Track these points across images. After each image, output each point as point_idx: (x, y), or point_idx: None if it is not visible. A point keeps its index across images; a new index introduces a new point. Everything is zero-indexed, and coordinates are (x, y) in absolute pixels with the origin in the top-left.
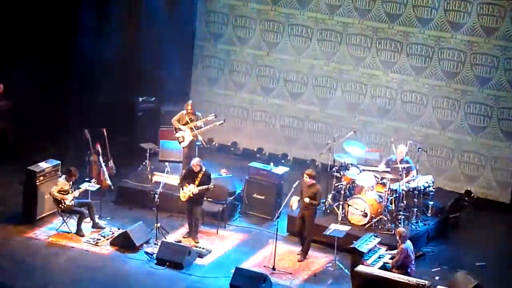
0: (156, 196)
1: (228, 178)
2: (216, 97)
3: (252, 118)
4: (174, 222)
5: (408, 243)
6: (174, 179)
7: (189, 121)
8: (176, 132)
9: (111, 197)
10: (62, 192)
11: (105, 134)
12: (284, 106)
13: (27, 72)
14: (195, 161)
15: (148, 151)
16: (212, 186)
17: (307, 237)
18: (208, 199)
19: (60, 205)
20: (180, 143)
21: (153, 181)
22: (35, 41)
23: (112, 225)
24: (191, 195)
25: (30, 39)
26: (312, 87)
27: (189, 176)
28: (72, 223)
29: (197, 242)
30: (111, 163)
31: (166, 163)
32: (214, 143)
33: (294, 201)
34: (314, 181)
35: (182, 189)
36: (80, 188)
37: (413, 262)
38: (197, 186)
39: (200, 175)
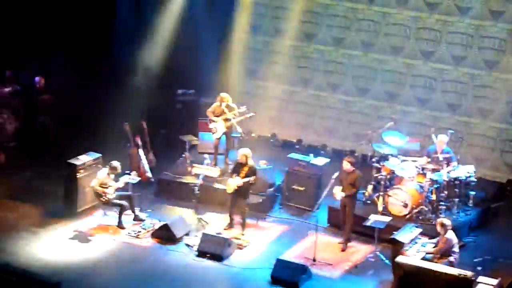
0: (196, 188)
1: (267, 170)
2: (255, 88)
3: (291, 109)
4: (214, 214)
5: (451, 233)
6: (213, 171)
7: (223, 113)
8: (211, 123)
9: (151, 190)
10: (103, 186)
11: (145, 127)
12: (324, 97)
13: (66, 66)
14: (242, 151)
15: (187, 143)
16: (253, 179)
17: (347, 224)
18: (251, 191)
19: (101, 198)
20: (213, 134)
21: (192, 173)
22: (74, 34)
23: (152, 217)
24: (237, 187)
25: (68, 33)
26: (351, 77)
27: (236, 168)
28: (113, 215)
29: (243, 234)
30: (151, 156)
31: (206, 155)
32: (253, 134)
33: (337, 191)
34: (354, 168)
35: (229, 182)
36: (120, 180)
37: (455, 252)
38: (243, 178)
39: (246, 168)
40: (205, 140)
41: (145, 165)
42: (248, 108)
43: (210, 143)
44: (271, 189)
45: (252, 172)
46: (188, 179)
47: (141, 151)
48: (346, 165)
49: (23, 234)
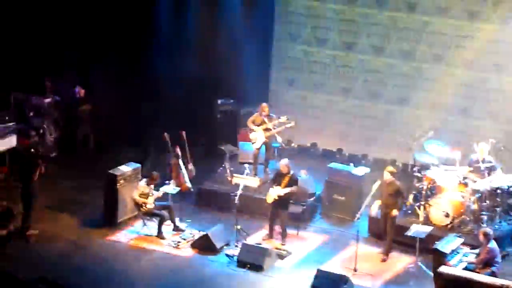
0: (236, 198)
1: (308, 179)
2: (295, 98)
3: (331, 118)
4: (254, 224)
5: (493, 243)
6: (253, 181)
7: (263, 123)
8: (251, 133)
9: (191, 200)
10: (143, 196)
11: (185, 136)
12: (364, 106)
13: (105, 77)
14: (284, 162)
15: (227, 153)
16: (295, 189)
17: (388, 234)
18: (290, 200)
19: (141, 208)
20: (252, 144)
21: (232, 183)
22: (114, 44)
23: (192, 227)
24: (277, 198)
25: (109, 43)
26: (391, 86)
27: (276, 178)
28: (152, 226)
29: (283, 244)
30: (190, 166)
31: (246, 165)
32: (293, 144)
33: (375, 206)
34: (393, 178)
35: (269, 192)
36: (160, 191)
37: (498, 262)
38: (284, 187)
39: (286, 178)
40: (245, 150)
41: (185, 175)
42: (288, 118)
43: (250, 153)
44: (312, 199)
45: (293, 182)
46: (227, 189)
47: (180, 161)
48: (387, 176)
49: (63, 246)
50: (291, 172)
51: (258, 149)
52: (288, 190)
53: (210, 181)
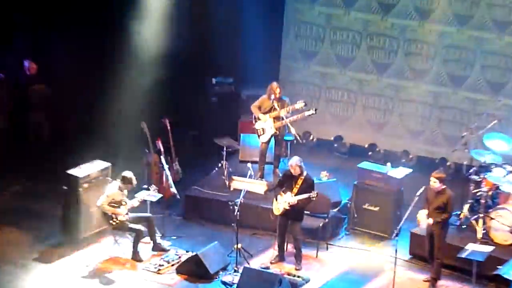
0: (236, 208)
1: (330, 184)
2: (313, 76)
3: (361, 104)
4: (259, 243)
5: None
6: (259, 186)
7: (273, 109)
8: (256, 122)
9: (177, 210)
10: (113, 205)
11: (168, 126)
12: (405, 87)
13: (65, 48)
14: (294, 161)
15: (224, 148)
16: (315, 195)
17: (436, 259)
18: (305, 212)
19: (111, 221)
20: (259, 136)
21: (231, 188)
22: (77, 6)
23: (179, 246)
24: (287, 207)
25: (69, 3)
26: (441, 61)
27: (285, 182)
28: (126, 244)
29: (298, 269)
30: (176, 165)
31: (249, 164)
32: (311, 137)
33: (422, 217)
34: (444, 186)
35: (276, 200)
36: (136, 198)
37: None
38: (295, 195)
39: (299, 181)
40: (248, 145)
41: (169, 178)
42: (306, 103)
43: (255, 149)
44: (335, 210)
45: (309, 186)
46: (225, 196)
47: (163, 159)
48: (434, 183)
49: (8, 268)
50: (305, 173)
51: (266, 143)
52: (301, 197)
53: (201, 186)
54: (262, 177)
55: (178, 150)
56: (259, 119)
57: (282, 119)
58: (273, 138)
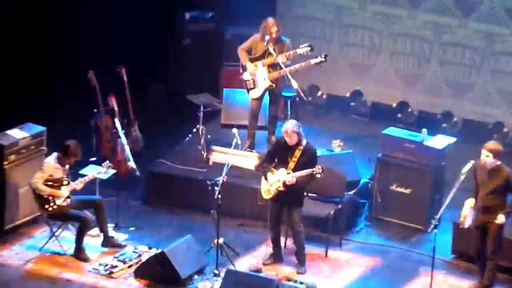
0: (217, 189)
1: (345, 157)
2: (324, 10)
3: (387, 49)
4: (248, 237)
5: None
6: (248, 159)
7: (268, 54)
8: (244, 71)
9: (136, 192)
10: (51, 184)
11: (125, 78)
12: (449, 25)
13: None
14: (289, 126)
15: (201, 108)
16: (320, 171)
17: (489, 260)
18: (310, 194)
19: (47, 206)
20: (248, 91)
21: (210, 163)
22: None
23: (138, 241)
24: (281, 188)
25: None
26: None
27: (277, 154)
28: (68, 237)
29: (300, 273)
30: (135, 131)
31: (234, 130)
32: (320, 93)
33: (467, 212)
34: (499, 162)
35: (266, 178)
36: (82, 175)
37: None
38: (293, 170)
39: (297, 153)
40: (233, 103)
41: (125, 148)
42: (313, 46)
43: (243, 109)
44: (352, 192)
45: (310, 159)
46: (202, 174)
47: (117, 122)
48: (487, 157)
49: None
50: (304, 142)
51: (258, 100)
52: (300, 174)
53: (170, 159)
54: (252, 147)
55: (139, 111)
56: (249, 67)
57: (280, 67)
58: (267, 93)
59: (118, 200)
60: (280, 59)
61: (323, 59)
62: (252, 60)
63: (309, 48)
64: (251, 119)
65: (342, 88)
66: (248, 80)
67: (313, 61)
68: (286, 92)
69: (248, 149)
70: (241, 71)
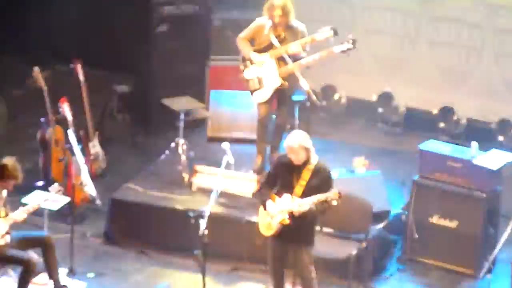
0: (202, 222)
1: (371, 179)
2: None
3: (427, 37)
4: (242, 285)
5: None
6: (244, 183)
7: (276, 43)
8: (245, 66)
9: (96, 226)
10: None
11: (82, 76)
12: (505, 6)
13: None
14: (296, 139)
15: (181, 116)
16: (337, 197)
17: None
18: (324, 229)
19: None
20: (252, 92)
21: (194, 188)
22: None
23: None
24: (286, 222)
25: None
26: None
27: (280, 176)
28: (8, 284)
29: None
30: (95, 146)
31: (225, 145)
32: (337, 96)
33: None
34: None
35: (265, 208)
36: (25, 204)
37: None
38: (301, 197)
39: (305, 174)
40: (224, 109)
41: (82, 168)
42: (335, 31)
43: (237, 116)
44: (380, 226)
45: (323, 181)
46: (182, 202)
47: (71, 134)
48: None
49: None
50: (314, 159)
51: (267, 104)
52: (311, 201)
53: (140, 183)
54: (262, 169)
55: (100, 119)
56: (251, 62)
57: (295, 60)
58: (275, 96)
59: (72, 237)
60: (295, 48)
61: (350, 46)
62: (255, 53)
63: (331, 33)
64: (260, 130)
65: (367, 89)
66: (251, 80)
67: (337, 48)
68: (295, 96)
69: (255, 173)
70: (241, 67)
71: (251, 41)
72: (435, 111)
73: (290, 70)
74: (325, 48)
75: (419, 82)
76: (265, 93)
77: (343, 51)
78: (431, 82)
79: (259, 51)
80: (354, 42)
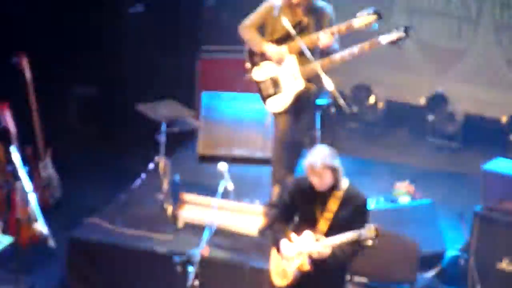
0: (192, 270)
1: (419, 211)
2: None
3: (490, 20)
4: None
5: None
6: (246, 217)
7: (295, 32)
8: (254, 63)
9: (49, 273)
10: None
11: (28, 74)
12: None
13: None
14: (318, 156)
15: (162, 126)
16: (374, 236)
17: None
18: (357, 278)
19: None
20: (264, 99)
21: (180, 224)
22: None
23: None
24: (307, 267)
25: None
26: None
27: (298, 207)
28: None
29: None
30: (47, 168)
31: (222, 165)
32: (373, 101)
33: None
34: None
35: (278, 250)
36: None
37: None
38: (326, 235)
39: (332, 203)
40: (218, 117)
41: (29, 198)
42: (380, 13)
43: (238, 127)
44: (431, 274)
45: (356, 213)
46: (164, 242)
47: (14, 152)
48: None
49: None
50: (345, 185)
51: (286, 115)
52: (340, 240)
53: (109, 217)
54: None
55: (53, 132)
56: (272, 53)
57: (322, 55)
58: (295, 102)
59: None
60: (324, 39)
61: (402, 35)
62: (270, 44)
63: (374, 17)
64: (278, 151)
65: (412, 90)
66: (263, 82)
67: (384, 39)
68: (319, 100)
69: (269, 205)
70: (247, 65)
71: (260, 30)
72: (503, 119)
73: (311, 71)
74: (368, 38)
75: (482, 81)
76: (284, 100)
77: (392, 42)
78: (498, 80)
79: (274, 42)
80: (406, 29)
